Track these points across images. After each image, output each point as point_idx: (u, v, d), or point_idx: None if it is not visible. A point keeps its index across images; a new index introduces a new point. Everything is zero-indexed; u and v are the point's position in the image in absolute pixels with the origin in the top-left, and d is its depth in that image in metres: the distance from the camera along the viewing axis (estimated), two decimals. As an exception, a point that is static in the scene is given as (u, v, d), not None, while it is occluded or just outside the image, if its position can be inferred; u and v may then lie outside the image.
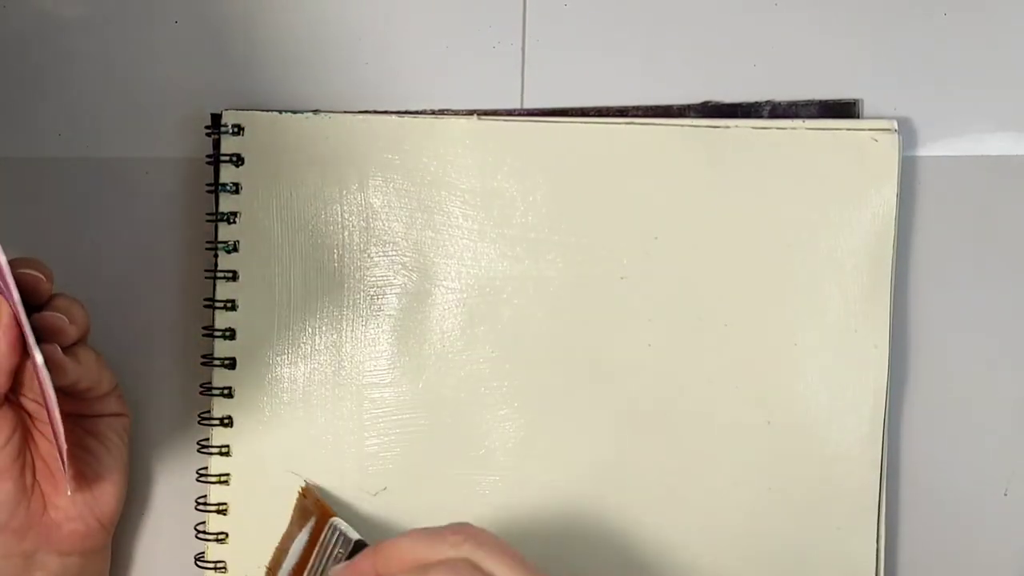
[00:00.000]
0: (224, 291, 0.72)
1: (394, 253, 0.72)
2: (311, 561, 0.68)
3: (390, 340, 0.72)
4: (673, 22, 0.73)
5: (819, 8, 0.73)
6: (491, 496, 0.71)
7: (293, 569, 0.69)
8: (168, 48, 0.75)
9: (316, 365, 0.72)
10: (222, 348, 0.72)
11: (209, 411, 0.72)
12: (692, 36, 0.73)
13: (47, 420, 0.65)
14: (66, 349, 0.64)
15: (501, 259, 0.71)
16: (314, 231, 0.72)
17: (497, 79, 0.74)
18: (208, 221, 0.73)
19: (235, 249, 0.72)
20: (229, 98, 0.74)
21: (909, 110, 0.72)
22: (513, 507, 0.71)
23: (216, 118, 0.73)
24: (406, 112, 0.73)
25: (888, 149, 0.70)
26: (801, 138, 0.70)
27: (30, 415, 0.67)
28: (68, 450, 0.62)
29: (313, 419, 0.72)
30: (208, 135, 0.73)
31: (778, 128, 0.71)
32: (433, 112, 0.73)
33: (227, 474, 0.72)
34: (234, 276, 0.72)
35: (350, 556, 0.65)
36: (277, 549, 0.71)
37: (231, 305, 0.72)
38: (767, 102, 0.72)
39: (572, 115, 0.73)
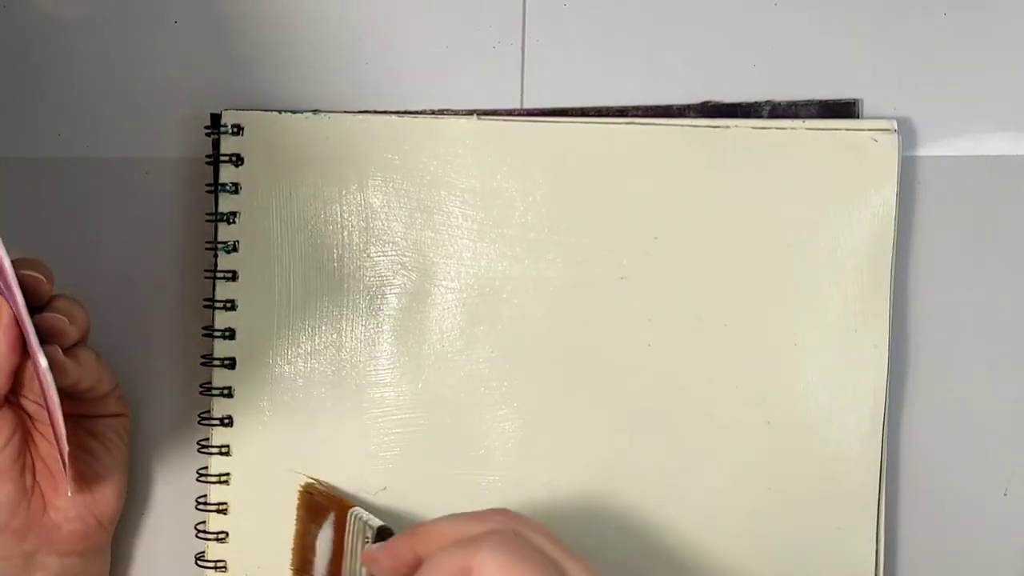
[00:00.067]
0: (224, 291, 0.72)
1: (394, 253, 0.72)
2: (345, 554, 0.67)
3: (390, 340, 0.72)
4: (673, 22, 0.73)
5: (819, 8, 0.73)
6: (491, 496, 0.71)
7: (329, 565, 0.69)
8: (168, 48, 0.75)
9: (316, 365, 0.72)
10: (222, 348, 0.72)
11: (209, 411, 0.72)
12: (692, 36, 0.73)
13: (47, 421, 0.65)
14: (67, 350, 0.64)
15: (501, 259, 0.71)
16: (314, 231, 0.72)
17: (497, 79, 0.74)
18: (208, 221, 0.73)
19: (235, 249, 0.72)
20: (229, 98, 0.74)
21: (909, 110, 0.72)
22: (513, 507, 0.70)
23: (216, 118, 0.73)
24: (406, 112, 0.73)
25: (888, 149, 0.70)
26: (801, 138, 0.70)
27: (30, 416, 0.67)
28: (69, 451, 0.62)
29: (313, 419, 0.72)
30: (208, 135, 0.73)
31: (778, 128, 0.71)
32: (433, 112, 0.73)
33: (227, 474, 0.72)
34: (234, 276, 0.72)
35: (376, 542, 0.64)
36: (297, 549, 0.71)
37: (231, 305, 0.72)
38: (767, 102, 0.72)
39: (572, 115, 0.73)
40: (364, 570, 0.63)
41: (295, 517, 0.72)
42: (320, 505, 0.70)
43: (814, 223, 0.70)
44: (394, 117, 0.72)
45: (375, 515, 0.68)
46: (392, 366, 0.72)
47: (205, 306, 0.72)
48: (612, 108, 0.73)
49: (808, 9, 0.73)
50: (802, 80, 0.73)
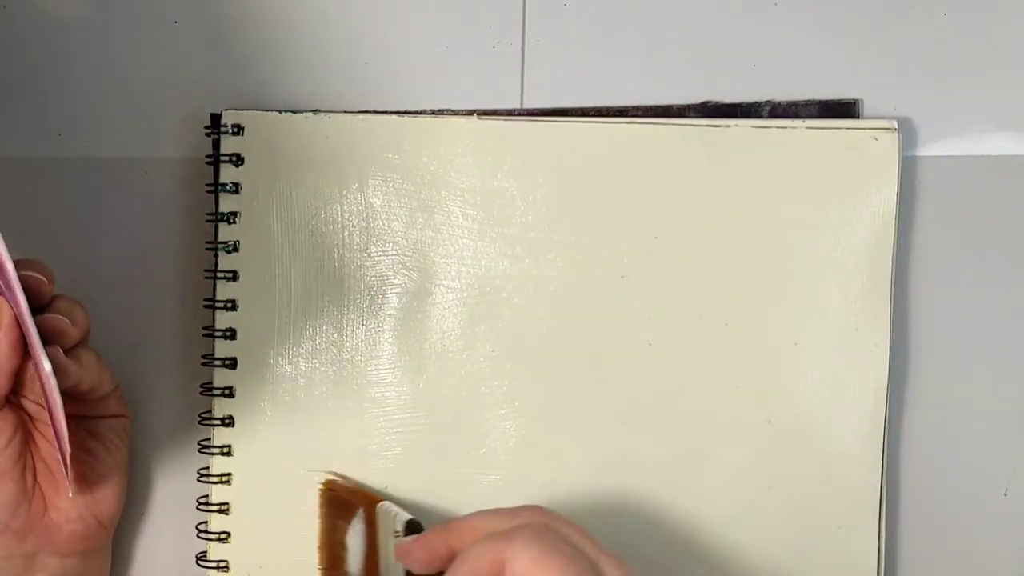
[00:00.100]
0: (224, 291, 0.72)
1: (394, 252, 0.72)
2: (379, 549, 0.67)
3: (391, 339, 0.72)
4: (673, 22, 0.73)
5: (819, 8, 0.73)
6: (492, 495, 0.71)
7: (364, 560, 0.69)
8: (168, 48, 0.75)
9: (317, 364, 0.72)
10: (223, 348, 0.72)
11: (209, 411, 0.72)
12: (692, 36, 0.73)
13: (48, 421, 0.65)
14: (68, 351, 0.64)
15: (501, 258, 0.71)
16: (314, 231, 0.72)
17: (497, 79, 0.74)
18: (208, 221, 0.73)
19: (235, 249, 0.72)
20: (229, 98, 0.74)
21: (909, 110, 0.72)
22: (514, 505, 0.70)
23: (216, 118, 0.73)
24: (406, 112, 0.73)
25: (888, 148, 0.70)
26: (801, 137, 0.70)
27: (30, 416, 0.67)
28: (70, 452, 0.62)
29: (314, 418, 0.72)
30: (208, 135, 0.73)
31: (778, 127, 0.71)
32: (433, 112, 0.73)
33: (229, 474, 0.72)
34: (234, 276, 0.72)
35: (406, 535, 0.64)
36: (324, 547, 0.71)
37: (231, 305, 0.72)
38: (767, 102, 0.72)
39: (572, 115, 0.73)
40: (399, 564, 0.63)
41: (318, 515, 0.71)
42: (346, 501, 0.70)
43: (814, 222, 0.70)
44: (394, 117, 0.72)
45: (400, 508, 0.69)
46: (393, 365, 0.72)
47: (206, 306, 0.72)
48: (612, 108, 0.73)
49: (808, 9, 0.73)
50: (802, 80, 0.73)
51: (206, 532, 0.72)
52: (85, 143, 0.75)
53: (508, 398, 0.71)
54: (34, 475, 0.67)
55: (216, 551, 0.72)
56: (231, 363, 0.72)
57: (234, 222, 0.72)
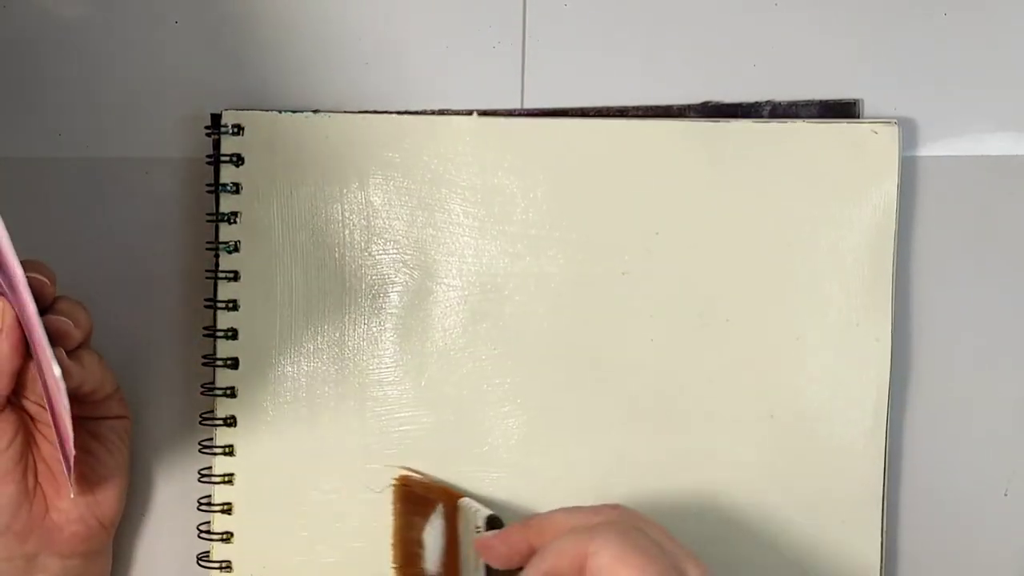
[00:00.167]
0: (225, 291, 0.72)
1: (395, 251, 0.72)
2: (459, 545, 0.67)
3: (392, 338, 0.72)
4: (673, 22, 0.73)
5: (819, 8, 0.73)
6: (494, 492, 0.71)
7: (443, 556, 0.69)
8: (168, 48, 0.75)
9: (319, 364, 0.72)
10: (224, 348, 0.72)
11: (211, 411, 0.72)
12: (692, 36, 0.73)
13: (49, 422, 0.65)
14: (70, 353, 0.64)
15: (502, 256, 0.71)
16: (315, 230, 0.72)
17: (497, 79, 0.74)
18: (208, 221, 0.72)
19: (236, 249, 0.72)
20: (229, 98, 0.74)
21: (909, 110, 0.72)
22: (516, 503, 0.70)
23: (216, 118, 0.73)
24: (406, 112, 0.73)
25: (888, 143, 0.70)
26: (801, 134, 0.70)
27: (32, 417, 0.67)
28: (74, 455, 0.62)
29: (316, 417, 0.72)
30: (208, 135, 0.73)
31: (778, 124, 0.71)
32: (433, 112, 0.73)
33: (231, 474, 0.72)
34: (235, 276, 0.72)
35: (487, 531, 0.64)
36: (399, 544, 0.71)
37: (233, 305, 0.72)
38: (767, 102, 0.72)
39: (572, 115, 0.73)
40: (480, 559, 0.63)
41: (392, 512, 0.71)
42: (423, 497, 0.70)
43: (815, 218, 0.70)
44: (394, 116, 0.72)
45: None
46: (395, 364, 0.72)
47: (206, 306, 0.72)
48: (612, 108, 0.73)
49: (808, 9, 0.73)
50: (802, 80, 0.73)
51: (208, 532, 0.72)
52: (85, 143, 0.75)
53: (510, 396, 0.71)
54: (35, 476, 0.67)
55: (219, 551, 0.72)
56: (233, 363, 0.72)
57: (235, 222, 0.72)
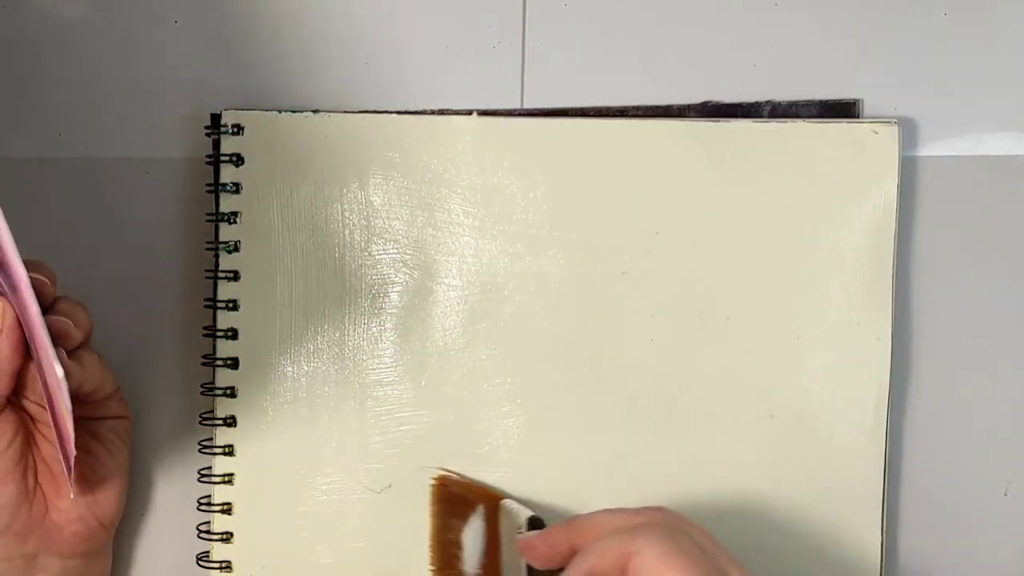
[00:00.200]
0: (225, 291, 0.72)
1: (395, 251, 0.72)
2: (501, 546, 0.67)
3: (392, 338, 0.72)
4: (673, 22, 0.73)
5: (819, 8, 0.73)
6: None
7: (483, 557, 0.69)
8: (168, 48, 0.75)
9: (319, 364, 0.72)
10: (224, 348, 0.72)
11: (211, 411, 0.72)
12: (692, 36, 0.73)
13: (49, 422, 0.65)
14: (70, 353, 0.64)
15: (502, 256, 0.71)
16: (315, 230, 0.72)
17: (497, 79, 0.74)
18: (208, 221, 0.72)
19: (236, 249, 0.72)
20: (229, 98, 0.74)
21: (909, 110, 0.72)
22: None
23: (216, 118, 0.73)
24: (406, 112, 0.73)
25: (888, 142, 0.70)
26: (801, 134, 0.70)
27: (32, 417, 0.67)
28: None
29: (316, 417, 0.72)
30: (208, 135, 0.73)
31: (778, 124, 0.71)
32: (433, 112, 0.73)
33: (231, 474, 0.72)
34: (235, 276, 0.72)
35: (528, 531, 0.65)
36: (437, 545, 0.71)
37: (233, 305, 0.72)
38: (767, 102, 0.72)
39: (572, 115, 0.73)
40: (521, 560, 0.63)
41: (430, 513, 0.71)
42: (462, 498, 0.70)
43: (815, 218, 0.70)
44: (394, 116, 0.72)
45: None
46: (395, 364, 0.72)
47: (206, 306, 0.72)
48: (612, 108, 0.73)
49: (808, 9, 0.73)
50: (802, 80, 0.73)
51: (208, 533, 0.72)
52: (85, 143, 0.75)
53: (510, 396, 0.71)
54: (35, 476, 0.67)
55: (219, 551, 0.72)
56: (233, 363, 0.72)
57: (235, 222, 0.72)
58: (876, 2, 0.73)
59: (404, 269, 0.72)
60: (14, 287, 0.60)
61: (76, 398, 0.66)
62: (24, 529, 0.66)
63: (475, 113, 0.72)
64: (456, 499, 0.70)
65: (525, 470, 0.71)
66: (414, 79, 0.74)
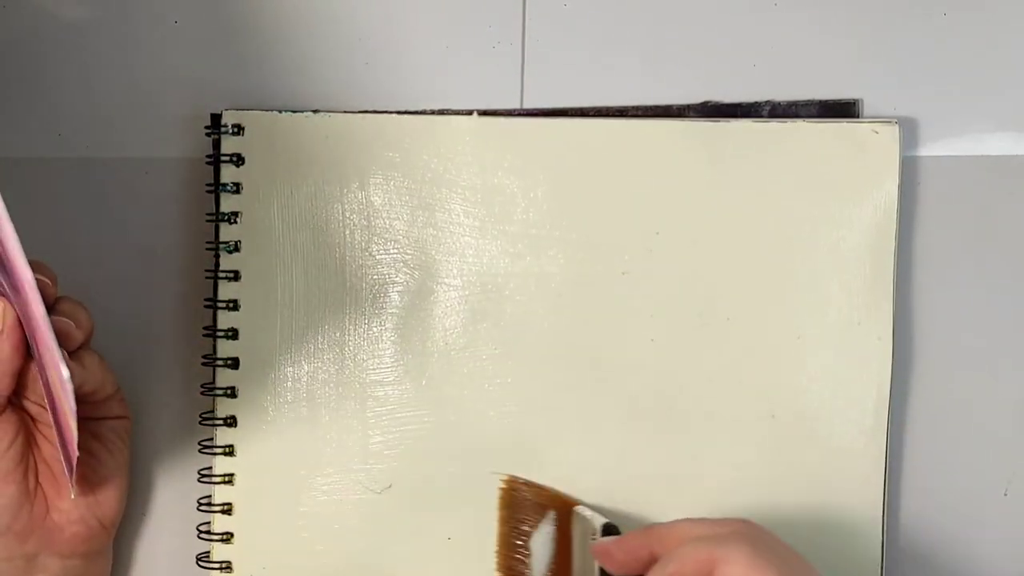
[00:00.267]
0: (226, 291, 0.72)
1: (396, 251, 0.72)
2: (573, 553, 0.67)
3: (393, 338, 0.72)
4: (673, 22, 0.73)
5: (819, 8, 0.73)
6: (495, 492, 0.71)
7: (552, 563, 0.69)
8: (168, 48, 0.75)
9: (319, 364, 0.72)
10: (225, 348, 0.72)
11: (211, 411, 0.72)
12: (692, 36, 0.73)
13: (50, 423, 0.65)
14: (71, 354, 0.64)
15: (503, 256, 0.71)
16: (315, 230, 0.72)
17: (497, 79, 0.74)
18: (208, 221, 0.72)
19: (236, 249, 0.72)
20: (229, 98, 0.74)
21: (909, 110, 0.72)
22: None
23: (216, 118, 0.73)
24: (406, 112, 0.73)
25: (888, 142, 0.70)
26: (801, 134, 0.70)
27: (32, 418, 0.67)
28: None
29: (317, 418, 0.72)
30: (208, 135, 0.73)
31: (778, 123, 0.71)
32: (433, 112, 0.73)
33: (231, 474, 0.72)
34: (236, 276, 0.72)
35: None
36: (503, 549, 0.71)
37: (233, 305, 0.72)
38: (767, 102, 0.72)
39: (572, 115, 0.73)
40: (595, 565, 0.63)
41: (497, 518, 0.71)
42: (532, 503, 0.70)
43: (815, 217, 0.70)
44: (394, 115, 0.72)
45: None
46: (395, 364, 0.72)
47: (207, 306, 0.72)
48: (612, 108, 0.73)
49: (808, 9, 0.73)
50: (802, 80, 0.73)
51: (208, 533, 0.72)
52: (85, 143, 0.75)
53: (510, 395, 0.71)
54: (36, 477, 0.67)
55: (219, 552, 0.72)
56: (233, 363, 0.72)
57: (235, 222, 0.72)
58: (876, 2, 0.73)
59: (405, 269, 0.72)
60: (17, 288, 0.60)
61: (77, 398, 0.66)
62: (25, 529, 0.66)
63: (475, 113, 0.72)
64: (525, 504, 0.70)
65: (526, 470, 0.71)
66: (414, 79, 0.74)
